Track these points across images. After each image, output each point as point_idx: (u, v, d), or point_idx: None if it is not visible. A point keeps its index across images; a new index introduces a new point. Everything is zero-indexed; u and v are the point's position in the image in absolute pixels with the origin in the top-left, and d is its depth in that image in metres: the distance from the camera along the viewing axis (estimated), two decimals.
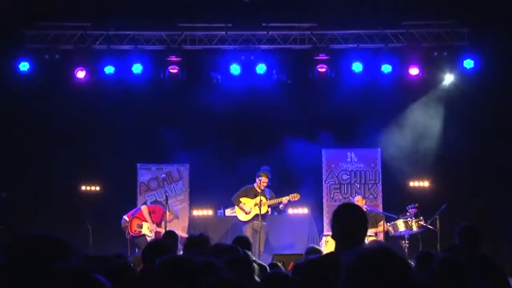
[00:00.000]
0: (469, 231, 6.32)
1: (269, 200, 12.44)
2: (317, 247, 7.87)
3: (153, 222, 12.70)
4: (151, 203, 13.51)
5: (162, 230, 12.28)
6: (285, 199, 12.37)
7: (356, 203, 12.12)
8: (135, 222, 12.65)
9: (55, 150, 13.97)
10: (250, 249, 7.15)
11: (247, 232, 12.18)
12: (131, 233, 12.56)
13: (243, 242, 7.26)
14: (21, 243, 2.62)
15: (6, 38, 13.30)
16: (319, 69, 13.58)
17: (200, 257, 3.70)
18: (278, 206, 12.57)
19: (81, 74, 13.56)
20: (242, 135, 14.53)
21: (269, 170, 13.30)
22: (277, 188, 12.94)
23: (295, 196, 12.39)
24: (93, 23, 13.58)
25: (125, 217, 12.73)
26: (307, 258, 5.34)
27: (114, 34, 13.65)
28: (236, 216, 12.82)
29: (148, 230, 12.65)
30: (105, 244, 12.93)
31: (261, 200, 12.19)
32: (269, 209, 12.60)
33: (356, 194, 13.54)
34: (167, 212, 12.60)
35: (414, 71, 13.56)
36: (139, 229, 12.64)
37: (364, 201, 12.85)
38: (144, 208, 12.86)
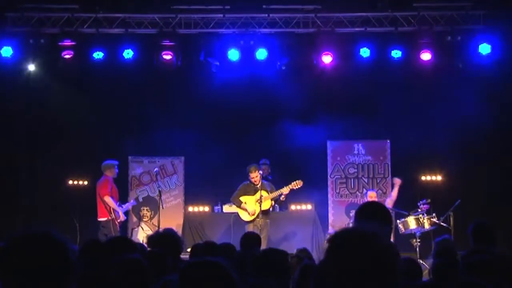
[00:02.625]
0: (483, 229, 6.19)
1: (271, 193, 12.12)
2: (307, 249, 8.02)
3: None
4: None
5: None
6: (286, 189, 11.98)
7: (369, 199, 12.36)
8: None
9: (40, 142, 13.96)
10: (259, 246, 7.08)
11: (252, 230, 11.69)
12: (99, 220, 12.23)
13: (253, 239, 7.18)
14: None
15: None
16: (324, 55, 13.40)
17: None
18: (279, 198, 12.24)
19: (68, 59, 13.32)
20: (241, 126, 14.41)
21: (269, 163, 13.20)
22: (278, 182, 12.67)
23: (297, 184, 11.97)
24: (81, 5, 13.41)
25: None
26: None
27: (103, 17, 13.44)
28: (236, 212, 12.55)
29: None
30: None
31: (261, 196, 11.86)
32: (272, 202, 12.30)
33: (370, 189, 13.39)
34: (160, 207, 12.44)
35: (425, 56, 13.43)
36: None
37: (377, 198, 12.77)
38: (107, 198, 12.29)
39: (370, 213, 3.92)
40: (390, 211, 12.33)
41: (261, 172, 12.12)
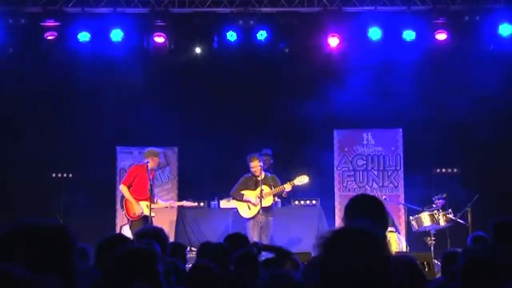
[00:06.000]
0: (503, 227, 5.84)
1: (274, 188, 11.88)
2: None
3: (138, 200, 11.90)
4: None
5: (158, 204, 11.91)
6: (289, 185, 11.75)
7: None
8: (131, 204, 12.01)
9: (22, 132, 13.78)
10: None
11: (252, 228, 11.77)
12: (130, 218, 11.90)
13: (237, 239, 6.90)
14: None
15: None
16: (330, 36, 13.28)
17: None
18: (282, 193, 12.09)
19: (51, 41, 13.17)
20: (240, 114, 14.31)
21: (271, 153, 13.28)
22: (280, 176, 12.47)
23: (302, 179, 11.79)
24: None
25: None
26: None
27: None
28: (235, 208, 12.36)
29: (147, 209, 11.88)
30: (79, 239, 12.30)
31: (262, 190, 11.61)
32: (275, 198, 12.18)
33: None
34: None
35: (441, 37, 13.28)
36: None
37: None
38: (122, 188, 12.04)
39: (363, 208, 4.00)
40: (402, 206, 12.15)
41: (261, 163, 11.82)
